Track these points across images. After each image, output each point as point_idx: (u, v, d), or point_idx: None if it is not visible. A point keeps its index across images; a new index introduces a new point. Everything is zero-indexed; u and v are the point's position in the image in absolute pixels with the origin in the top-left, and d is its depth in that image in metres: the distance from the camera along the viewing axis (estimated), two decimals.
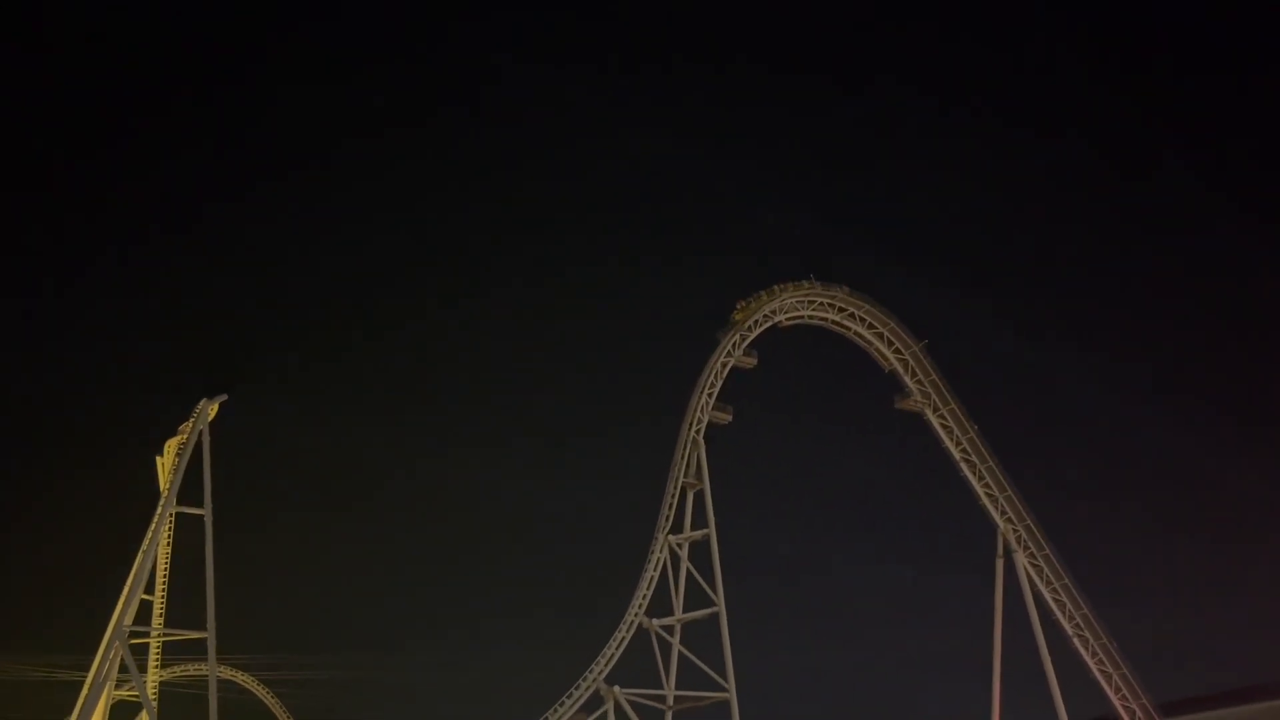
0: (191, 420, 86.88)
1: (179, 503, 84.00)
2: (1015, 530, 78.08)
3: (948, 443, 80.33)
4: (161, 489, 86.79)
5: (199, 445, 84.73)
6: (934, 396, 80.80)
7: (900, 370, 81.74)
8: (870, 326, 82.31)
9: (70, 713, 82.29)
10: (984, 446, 79.76)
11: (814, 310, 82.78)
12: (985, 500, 79.14)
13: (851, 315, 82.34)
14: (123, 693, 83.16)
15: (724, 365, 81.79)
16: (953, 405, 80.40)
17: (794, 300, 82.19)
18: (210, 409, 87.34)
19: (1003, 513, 78.63)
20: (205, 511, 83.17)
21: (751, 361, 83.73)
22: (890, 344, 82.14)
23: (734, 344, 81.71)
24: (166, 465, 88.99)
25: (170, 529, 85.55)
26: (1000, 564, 77.91)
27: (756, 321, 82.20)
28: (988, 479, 79.28)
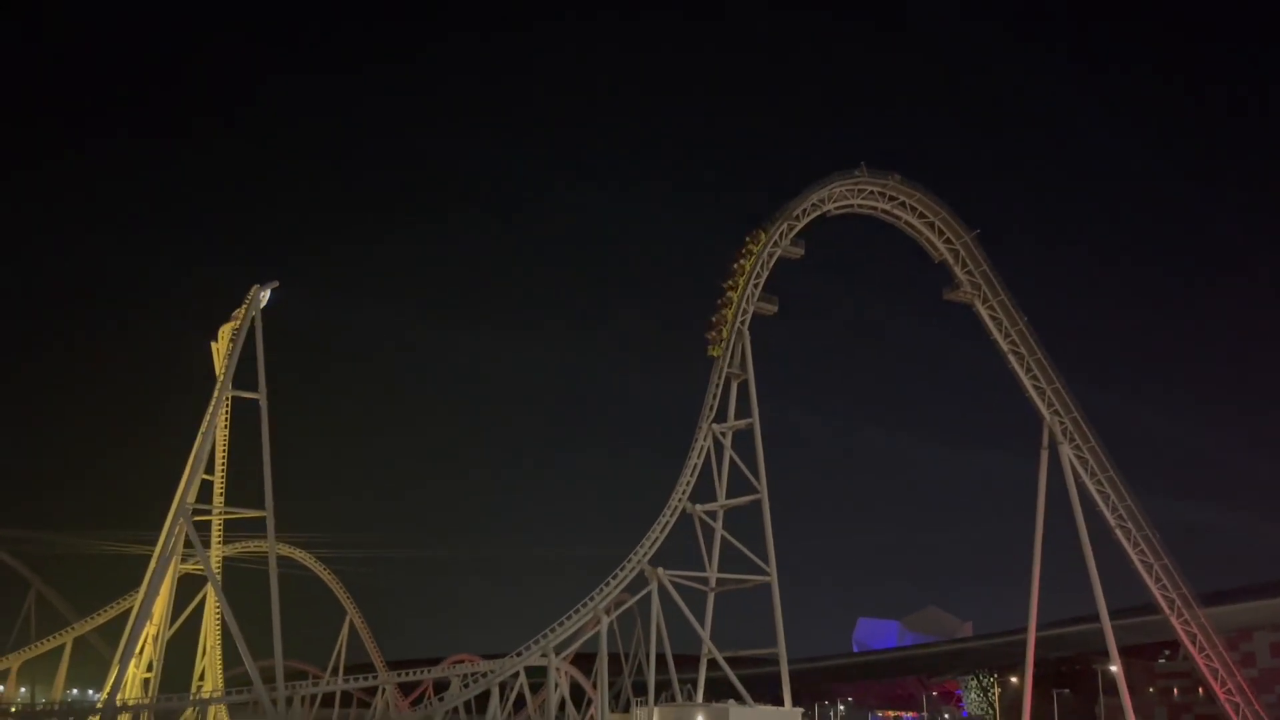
0: (244, 306, 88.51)
1: (235, 387, 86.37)
2: (1061, 422, 77.71)
3: (996, 334, 79.52)
4: (218, 374, 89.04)
5: (252, 330, 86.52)
6: (984, 288, 79.65)
7: (950, 260, 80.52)
8: (921, 216, 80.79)
9: (140, 585, 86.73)
10: (1033, 338, 78.88)
11: (864, 199, 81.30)
12: (1032, 392, 78.64)
13: (902, 204, 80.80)
14: (188, 566, 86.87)
15: (770, 256, 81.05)
16: (1002, 297, 79.26)
17: (843, 189, 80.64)
18: (262, 295, 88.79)
19: (1049, 405, 78.16)
20: (260, 395, 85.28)
21: (798, 252, 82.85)
22: (941, 234, 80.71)
23: (781, 234, 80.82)
24: (221, 350, 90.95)
25: (228, 412, 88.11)
26: (1044, 455, 77.82)
27: (805, 210, 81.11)
28: (1035, 371, 78.63)
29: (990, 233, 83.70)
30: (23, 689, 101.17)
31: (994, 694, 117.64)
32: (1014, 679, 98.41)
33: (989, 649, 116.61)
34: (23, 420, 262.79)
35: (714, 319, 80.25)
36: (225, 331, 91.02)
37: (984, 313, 79.66)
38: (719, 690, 77.35)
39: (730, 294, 79.88)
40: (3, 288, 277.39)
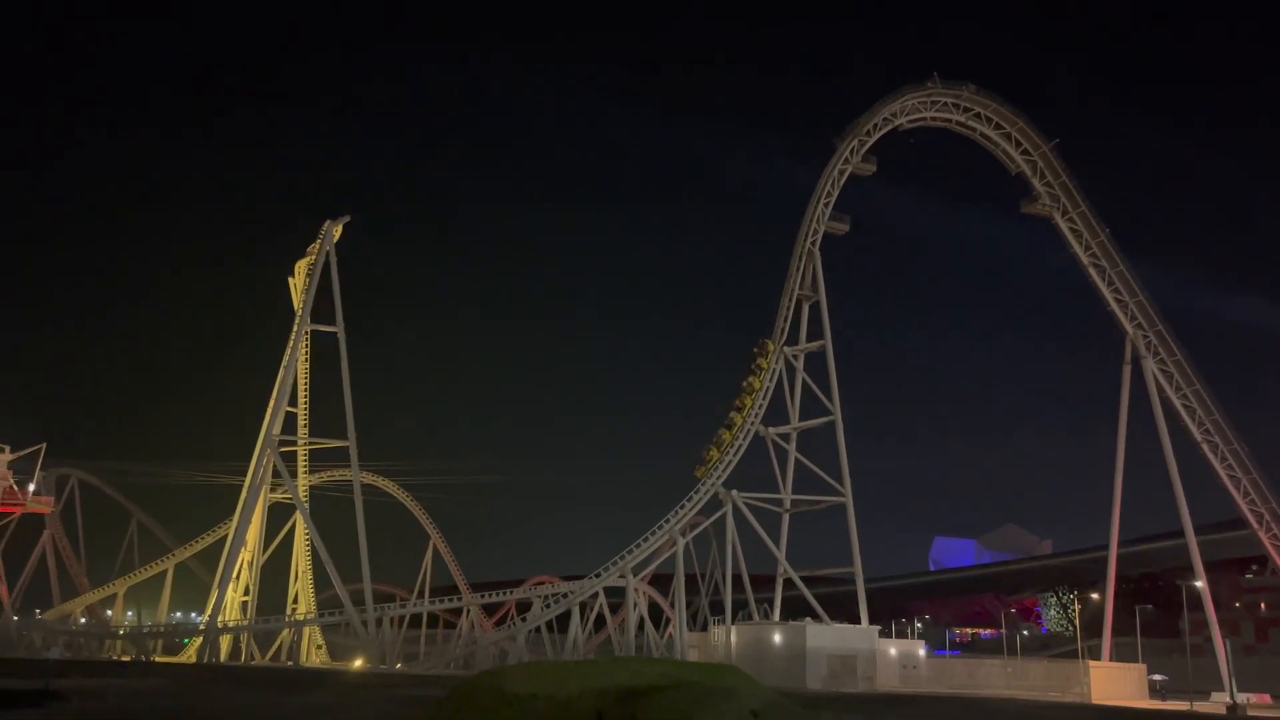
0: (318, 241, 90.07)
1: (313, 321, 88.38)
2: (1145, 336, 75.53)
3: (1076, 247, 77.13)
4: (296, 309, 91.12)
5: (327, 265, 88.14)
6: (1063, 199, 77.08)
7: (1028, 172, 77.97)
8: (997, 127, 78.14)
9: (233, 513, 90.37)
10: (1115, 251, 76.34)
11: (937, 111, 78.84)
12: (1114, 306, 76.41)
13: (977, 115, 78.17)
14: (277, 495, 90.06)
15: (841, 173, 79.39)
16: (1083, 208, 76.66)
17: (915, 101, 78.27)
18: (335, 230, 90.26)
19: (1132, 318, 75.92)
20: (338, 329, 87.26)
21: (870, 168, 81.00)
22: (1018, 144, 78.05)
23: (851, 150, 79.00)
24: (299, 285, 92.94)
25: (307, 345, 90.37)
26: (1127, 370, 75.91)
27: (876, 125, 79.07)
28: (1118, 284, 76.27)
29: (1068, 143, 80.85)
30: (129, 612, 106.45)
31: (1074, 610, 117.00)
32: (1095, 595, 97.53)
33: (1069, 566, 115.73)
34: (122, 360, 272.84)
35: (712, 441, 77.31)
36: (301, 267, 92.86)
37: (1063, 225, 77.23)
38: (795, 609, 78.33)
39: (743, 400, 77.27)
40: (97, 234, 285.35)
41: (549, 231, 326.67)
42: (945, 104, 78.20)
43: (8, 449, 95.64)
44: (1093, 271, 76.75)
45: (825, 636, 67.09)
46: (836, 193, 79.11)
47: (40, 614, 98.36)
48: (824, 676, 64.69)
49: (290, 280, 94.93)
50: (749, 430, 76.70)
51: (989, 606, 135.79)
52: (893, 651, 68.83)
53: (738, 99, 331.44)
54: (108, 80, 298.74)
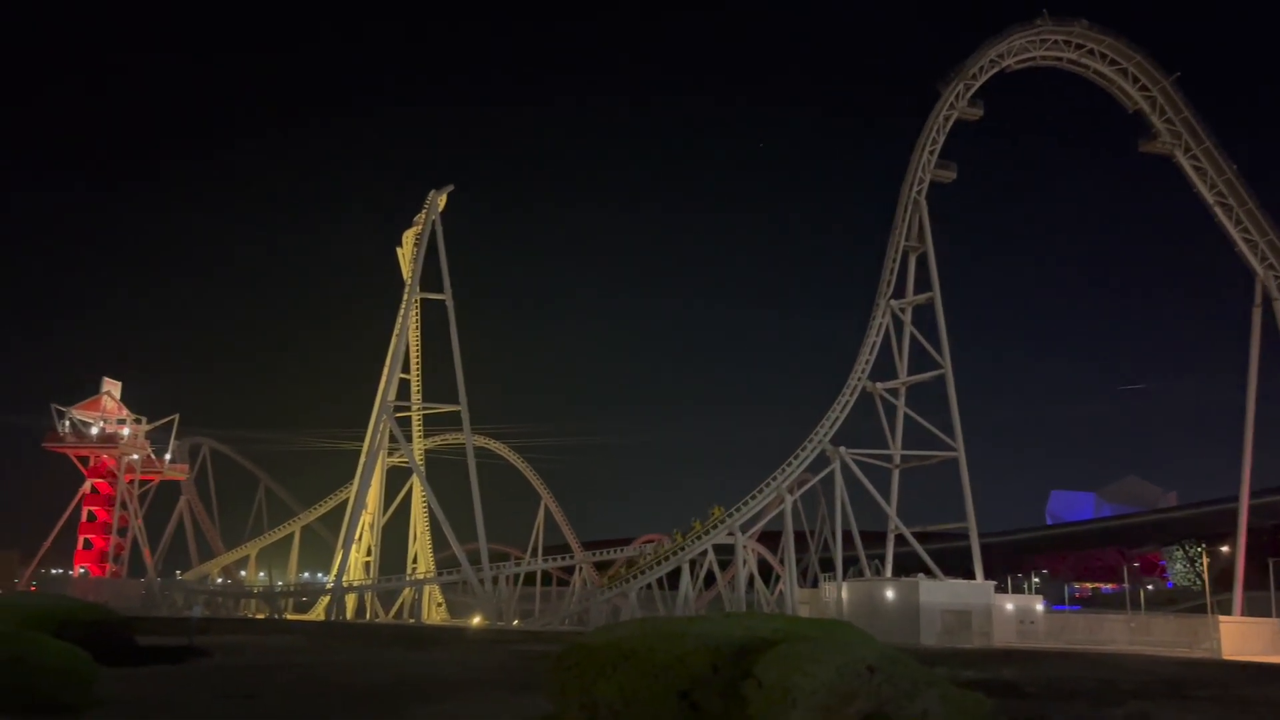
0: (424, 211, 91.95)
1: (422, 289, 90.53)
2: (1277, 276, 71.71)
3: (1200, 186, 73.43)
4: (405, 278, 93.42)
5: (433, 234, 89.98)
6: (1185, 136, 73.35)
7: (1147, 109, 74.41)
8: (1112, 63, 74.66)
9: (353, 477, 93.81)
10: (1243, 188, 72.43)
11: (1047, 50, 75.73)
12: (1243, 246, 72.63)
13: (1090, 52, 74.82)
14: (394, 459, 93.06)
15: (946, 119, 77.16)
16: (1207, 144, 72.85)
17: (1024, 40, 75.34)
18: (439, 199, 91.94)
19: (1262, 258, 72.10)
20: (446, 296, 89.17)
21: (977, 113, 78.46)
22: (1135, 81, 74.49)
23: (957, 95, 76.59)
24: (406, 255, 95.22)
25: (418, 313, 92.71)
26: (1257, 313, 72.24)
27: (982, 68, 76.45)
28: (1246, 223, 72.44)
29: (1190, 77, 76.77)
30: (261, 572, 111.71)
31: (1201, 564, 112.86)
32: (1224, 548, 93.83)
33: (1195, 518, 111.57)
34: (245, 332, 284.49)
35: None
36: (409, 237, 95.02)
37: (1186, 163, 73.56)
38: (907, 565, 77.52)
39: None
40: (219, 211, 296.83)
41: (648, 183, 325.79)
42: (1056, 42, 75.08)
43: (144, 420, 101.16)
44: (1219, 211, 73.05)
45: (939, 592, 66.32)
46: (942, 139, 76.96)
47: (180, 575, 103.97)
48: (938, 632, 64.03)
49: (398, 250, 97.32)
50: (855, 387, 75.78)
51: (1110, 561, 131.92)
52: (1009, 607, 67.64)
53: (839, 46, 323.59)
54: (208, 53, 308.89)
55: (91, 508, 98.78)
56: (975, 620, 64.25)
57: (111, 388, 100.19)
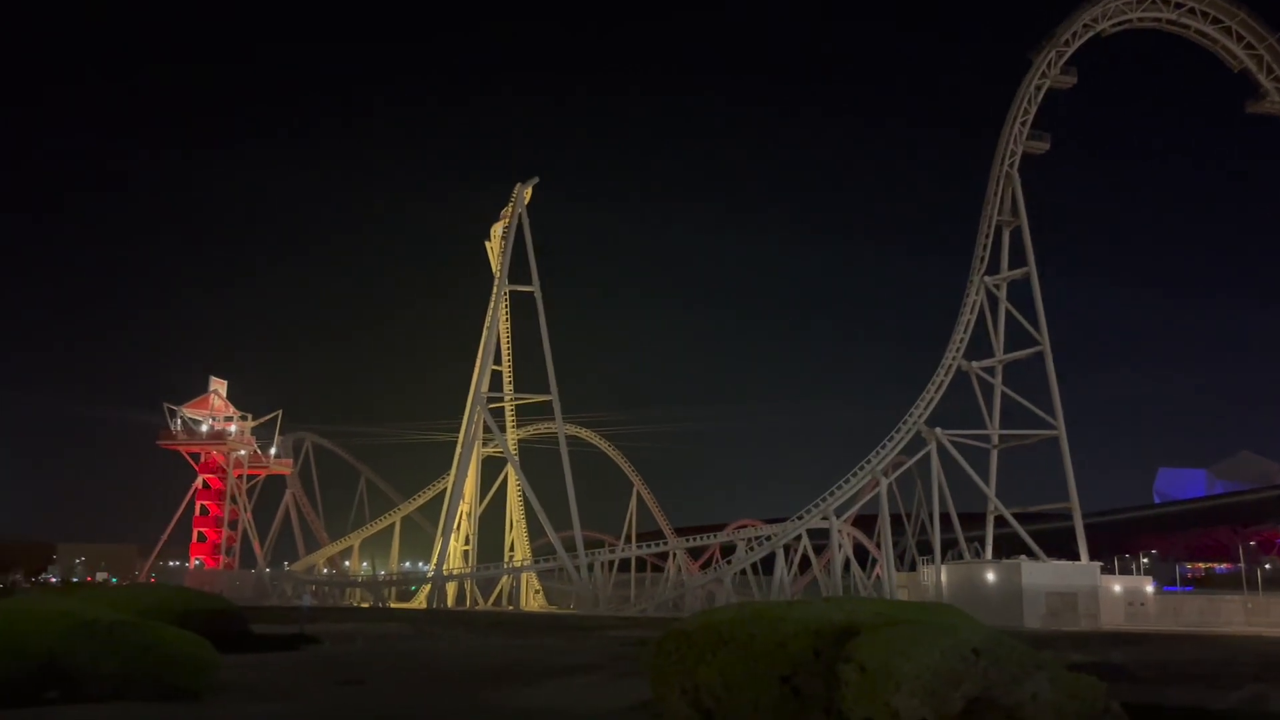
0: (510, 205, 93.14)
1: (510, 281, 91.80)
2: None
3: None
4: (494, 271, 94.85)
5: (521, 227, 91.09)
6: None
7: (1253, 68, 71.22)
8: (1215, 21, 71.59)
9: (450, 468, 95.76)
10: None
11: (1144, 11, 72.95)
12: None
13: (1191, 11, 71.85)
14: (489, 450, 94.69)
15: (1038, 88, 74.96)
16: None
17: (1120, 2, 72.76)
18: (525, 192, 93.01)
19: None
20: (534, 288, 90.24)
21: (1070, 80, 76.10)
22: (1240, 39, 71.31)
23: (1049, 63, 74.35)
24: (495, 249, 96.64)
25: (507, 306, 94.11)
26: None
27: (1075, 33, 74.05)
28: None
29: None
30: (364, 562, 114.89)
31: None
32: None
33: None
34: (341, 329, 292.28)
35: None
36: (496, 231, 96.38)
37: None
38: (1008, 547, 75.88)
39: None
40: (314, 214, 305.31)
41: (739, 164, 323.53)
42: (1154, 2, 72.27)
43: (250, 417, 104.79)
44: None
45: (1042, 574, 64.80)
46: (1034, 109, 74.81)
47: (288, 565, 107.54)
48: (1042, 615, 62.59)
49: (487, 244, 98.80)
50: (950, 366, 74.38)
51: (1224, 539, 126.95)
52: (1116, 588, 65.79)
53: (924, 16, 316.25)
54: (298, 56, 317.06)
55: (204, 502, 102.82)
56: (1081, 602, 62.69)
57: (218, 386, 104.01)
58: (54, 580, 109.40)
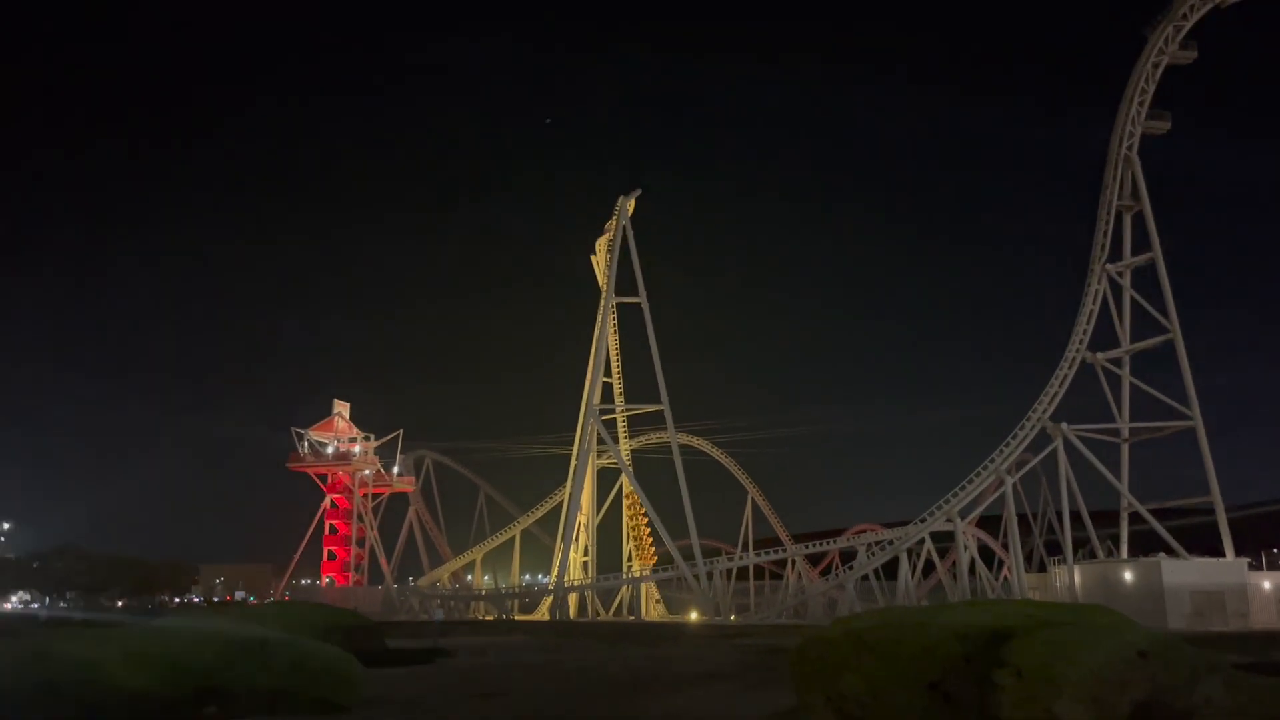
0: (614, 217, 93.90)
1: (617, 293, 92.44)
2: None
3: None
4: (600, 285, 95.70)
5: (625, 239, 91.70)
6: None
7: None
8: None
9: (566, 480, 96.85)
10: None
11: None
12: None
13: None
14: (603, 461, 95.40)
15: (1155, 66, 72.02)
16: None
17: None
18: (628, 204, 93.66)
19: None
20: (640, 298, 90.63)
21: (1190, 55, 72.83)
22: None
23: (1166, 38, 71.37)
24: (600, 263, 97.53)
25: (615, 318, 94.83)
26: None
27: (1193, 6, 70.87)
28: None
29: None
30: (485, 576, 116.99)
31: None
32: None
33: None
34: (452, 346, 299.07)
35: None
36: (601, 244, 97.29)
37: None
38: (1143, 545, 72.71)
39: None
40: (423, 236, 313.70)
41: (841, 163, 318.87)
42: None
43: (372, 437, 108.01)
44: None
45: (1184, 572, 61.91)
46: (1153, 88, 71.89)
47: (412, 581, 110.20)
48: (1187, 615, 59.77)
49: (592, 258, 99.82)
50: (1074, 359, 71.86)
51: None
52: (1266, 585, 62.46)
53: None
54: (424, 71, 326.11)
55: (332, 521, 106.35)
56: (1229, 601, 59.64)
57: (341, 408, 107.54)
58: (197, 600, 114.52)
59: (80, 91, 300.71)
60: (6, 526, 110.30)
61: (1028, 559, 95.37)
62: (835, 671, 13.71)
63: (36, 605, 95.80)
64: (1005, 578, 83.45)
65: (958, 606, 13.69)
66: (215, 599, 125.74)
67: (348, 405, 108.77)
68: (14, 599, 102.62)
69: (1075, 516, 72.03)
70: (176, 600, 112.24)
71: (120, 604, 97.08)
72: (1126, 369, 72.48)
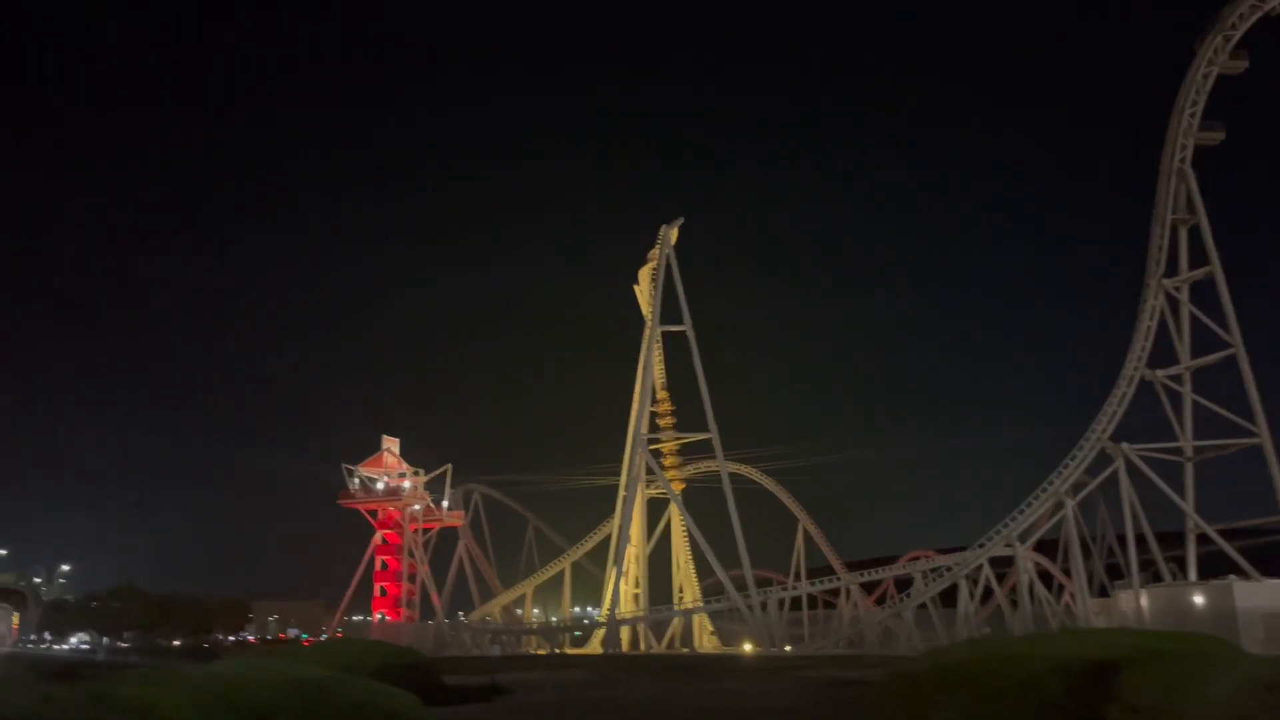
0: (657, 246, 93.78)
1: (662, 322, 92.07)
2: None
3: None
4: (645, 313, 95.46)
5: (670, 267, 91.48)
6: None
7: None
8: None
9: (613, 512, 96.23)
10: None
11: None
12: None
13: None
14: (651, 491, 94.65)
15: (1205, 77, 70.72)
16: None
17: None
18: (671, 233, 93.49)
19: None
20: (686, 327, 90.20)
21: (1241, 64, 71.46)
22: None
23: (1215, 48, 70.08)
24: (644, 291, 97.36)
25: (660, 346, 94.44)
26: None
27: (1242, 15, 69.61)
28: None
29: None
30: (536, 609, 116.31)
31: None
32: None
33: None
34: (498, 379, 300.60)
35: None
36: (644, 274, 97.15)
37: None
38: (1211, 567, 70.42)
39: None
40: (468, 273, 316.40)
41: (882, 187, 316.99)
42: None
43: (421, 472, 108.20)
44: None
45: (1259, 594, 59.79)
46: (1204, 100, 70.57)
47: (462, 615, 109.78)
48: (1261, 639, 57.56)
49: (635, 288, 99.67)
50: (1133, 377, 70.21)
51: None
52: None
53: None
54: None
55: (383, 557, 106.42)
56: None
57: (390, 444, 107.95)
58: (251, 639, 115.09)
59: (123, 141, 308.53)
60: (66, 569, 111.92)
61: (1088, 583, 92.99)
62: (926, 708, 13.04)
63: (95, 646, 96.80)
64: (1067, 604, 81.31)
65: (1054, 637, 12.99)
66: (268, 636, 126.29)
67: (397, 441, 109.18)
68: (73, 640, 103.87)
69: (1138, 539, 70.05)
70: (231, 638, 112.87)
71: (177, 643, 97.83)
72: (1188, 386, 70.65)
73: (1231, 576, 63.50)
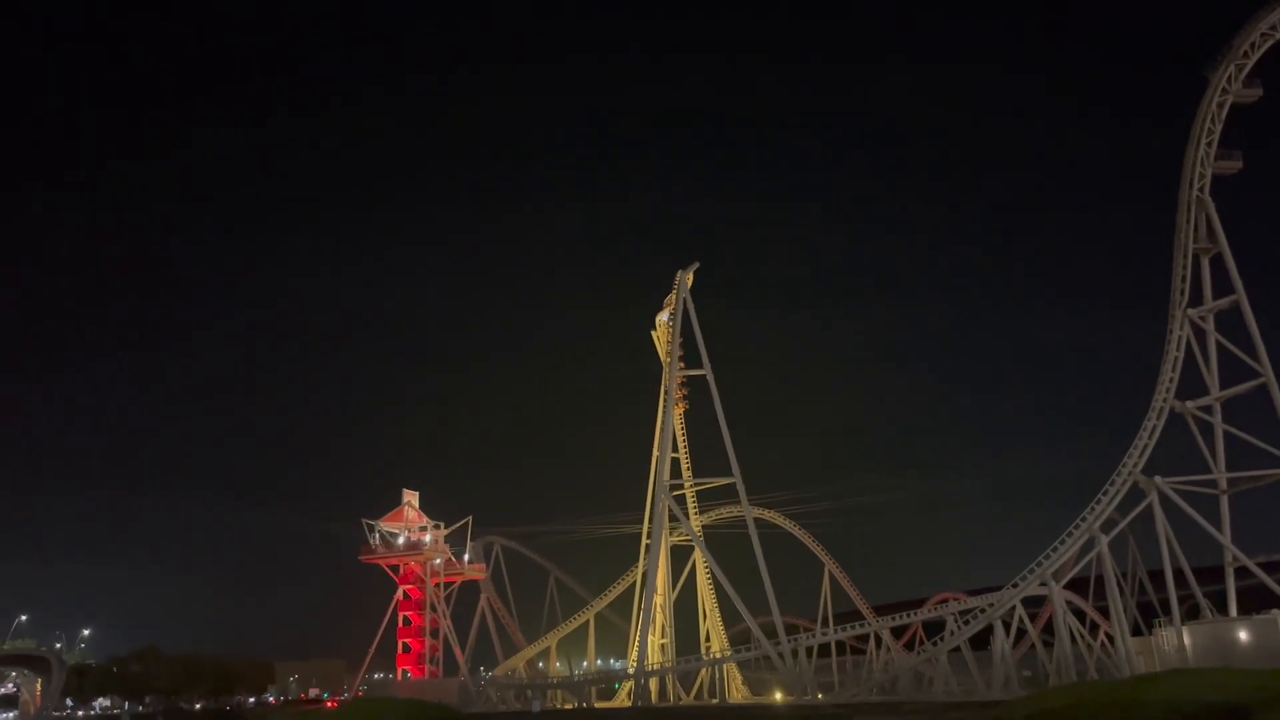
0: (674, 290, 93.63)
1: (681, 367, 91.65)
2: None
3: None
4: (662, 358, 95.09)
5: (686, 312, 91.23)
6: None
7: None
8: None
9: (635, 561, 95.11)
10: None
11: None
12: None
13: None
14: (674, 538, 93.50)
15: (1220, 106, 70.76)
16: None
17: None
18: (687, 278, 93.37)
19: None
20: (706, 371, 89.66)
21: (1254, 94, 71.53)
22: None
23: (1229, 77, 70.19)
24: (661, 338, 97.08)
25: (680, 391, 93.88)
26: None
27: (1254, 43, 69.82)
28: None
29: None
30: (558, 662, 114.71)
31: None
32: None
33: None
34: (514, 428, 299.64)
35: None
36: (661, 319, 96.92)
37: None
38: (1255, 600, 69.05)
39: None
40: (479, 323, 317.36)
41: (895, 222, 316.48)
42: None
43: (442, 525, 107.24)
44: None
45: None
46: (1219, 128, 70.57)
47: (484, 670, 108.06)
48: None
49: (653, 334, 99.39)
50: (1162, 409, 69.37)
51: None
52: None
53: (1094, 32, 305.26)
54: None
55: (405, 613, 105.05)
56: None
57: (410, 498, 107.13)
58: (272, 700, 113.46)
59: (138, 200, 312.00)
60: (87, 633, 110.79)
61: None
62: None
63: (118, 712, 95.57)
64: (1103, 643, 79.69)
65: (1162, 679, 12.43)
66: (288, 697, 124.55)
67: (416, 494, 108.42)
68: (96, 704, 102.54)
69: (1177, 573, 68.76)
70: (253, 700, 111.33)
71: (199, 706, 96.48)
72: (1218, 416, 69.80)
73: (1275, 610, 62.17)
